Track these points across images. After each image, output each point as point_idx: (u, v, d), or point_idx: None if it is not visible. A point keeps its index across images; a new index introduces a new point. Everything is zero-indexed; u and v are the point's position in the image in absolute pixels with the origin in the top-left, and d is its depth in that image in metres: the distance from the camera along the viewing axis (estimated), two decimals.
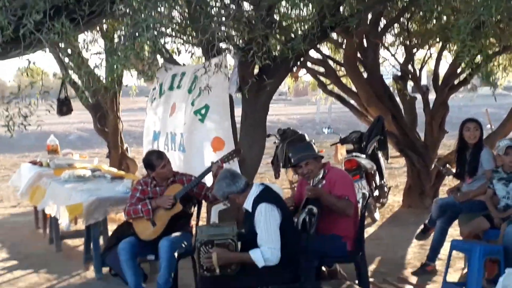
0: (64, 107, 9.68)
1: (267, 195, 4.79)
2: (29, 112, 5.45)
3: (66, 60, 7.93)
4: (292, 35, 6.52)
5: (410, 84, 10.80)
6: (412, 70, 10.24)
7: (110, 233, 6.52)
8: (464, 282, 5.58)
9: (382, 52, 10.35)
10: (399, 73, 10.43)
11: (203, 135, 6.99)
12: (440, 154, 10.41)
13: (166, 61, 8.06)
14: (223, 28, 5.76)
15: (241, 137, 6.92)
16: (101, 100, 9.85)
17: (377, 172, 9.28)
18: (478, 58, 6.39)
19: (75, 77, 8.46)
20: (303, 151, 5.57)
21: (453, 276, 6.17)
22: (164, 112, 7.99)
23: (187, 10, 6.33)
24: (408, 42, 9.94)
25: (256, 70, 6.80)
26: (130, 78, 8.45)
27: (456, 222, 6.44)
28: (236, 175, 4.95)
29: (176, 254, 5.53)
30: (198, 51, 7.58)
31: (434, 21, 8.79)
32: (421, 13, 8.51)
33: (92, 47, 6.82)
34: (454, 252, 5.78)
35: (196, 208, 6.09)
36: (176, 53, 7.66)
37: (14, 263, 7.34)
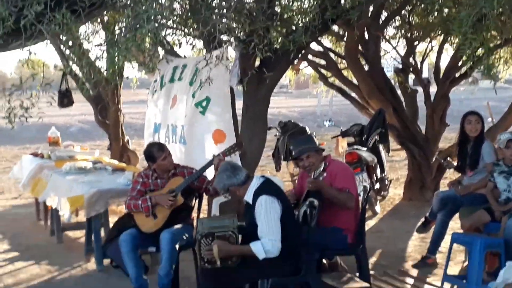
0: (65, 99, 9.67)
1: (268, 187, 4.79)
2: (31, 104, 5.45)
3: (67, 52, 7.94)
4: (293, 28, 6.50)
5: (411, 77, 10.79)
6: (413, 63, 10.23)
7: (111, 225, 6.53)
8: (465, 275, 5.59)
9: (384, 45, 10.34)
10: (400, 66, 10.42)
11: (204, 127, 6.99)
12: (441, 147, 10.42)
13: (167, 53, 8.05)
14: (224, 20, 5.74)
15: (242, 130, 6.91)
16: (102, 92, 9.84)
17: (378, 165, 9.28)
18: (480, 51, 6.39)
19: (76, 69, 8.46)
20: (304, 144, 5.56)
21: (454, 269, 6.17)
22: (165, 104, 7.98)
23: (188, 2, 6.32)
24: (409, 35, 9.92)
25: (257, 63, 6.79)
26: (131, 70, 8.45)
27: (457, 215, 6.44)
28: (237, 168, 4.95)
29: (177, 246, 5.53)
30: (199, 43, 7.57)
31: (436, 13, 8.76)
32: (422, 5, 8.48)
33: (93, 38, 6.82)
34: (454, 245, 5.78)
35: (197, 201, 6.09)
36: (177, 45, 7.65)
37: (15, 254, 7.36)
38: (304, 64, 11.36)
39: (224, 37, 6.39)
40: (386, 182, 9.70)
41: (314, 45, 9.85)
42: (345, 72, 10.60)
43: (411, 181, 9.94)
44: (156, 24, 5.00)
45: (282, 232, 4.61)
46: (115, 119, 10.18)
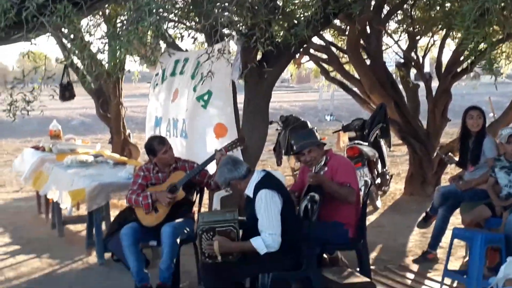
0: (66, 92, 9.66)
1: (269, 181, 4.79)
2: (32, 97, 5.45)
3: (69, 45, 7.92)
4: (295, 21, 6.49)
5: (413, 71, 10.78)
6: (415, 58, 10.21)
7: (112, 218, 6.54)
8: (465, 270, 5.59)
9: (385, 39, 10.33)
10: (402, 60, 10.41)
11: (205, 121, 6.98)
12: (442, 142, 10.41)
13: (169, 47, 8.04)
14: (226, 13, 5.72)
15: (243, 124, 6.90)
16: (103, 86, 9.83)
17: (379, 160, 9.28)
18: (482, 46, 6.37)
19: (77, 62, 8.45)
20: (306, 139, 5.56)
21: (454, 264, 6.18)
22: (166, 98, 7.97)
23: None
24: (411, 29, 9.91)
25: (259, 57, 6.78)
26: (132, 64, 8.45)
27: (457, 210, 6.44)
28: (238, 161, 4.95)
29: (178, 240, 5.54)
30: (201, 37, 7.56)
31: (438, 8, 8.75)
32: None
33: (95, 32, 6.80)
34: (455, 240, 5.78)
35: (198, 195, 6.09)
36: (179, 39, 7.65)
37: (16, 247, 7.37)
38: (305, 58, 11.35)
39: (226, 31, 6.38)
40: (387, 177, 9.70)
41: (315, 39, 9.84)
42: (346, 67, 10.59)
43: (412, 176, 9.93)
44: (158, 17, 4.98)
45: (282, 226, 4.61)
46: (116, 113, 10.19)
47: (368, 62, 9.71)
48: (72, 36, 6.06)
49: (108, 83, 9.54)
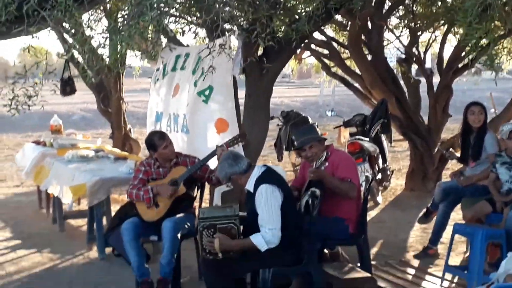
0: (67, 87, 9.66)
1: (269, 176, 4.79)
2: (34, 92, 5.45)
3: (70, 40, 7.92)
4: (297, 16, 6.48)
5: (414, 67, 10.77)
6: (416, 53, 10.20)
7: (113, 213, 6.55)
8: (466, 265, 5.59)
9: (387, 35, 10.32)
10: (403, 56, 10.40)
11: (206, 116, 6.98)
12: (444, 137, 10.41)
13: (170, 41, 8.03)
14: (227, 8, 5.73)
15: (244, 119, 6.90)
16: (104, 81, 9.83)
17: (380, 155, 9.29)
18: (483, 41, 6.36)
19: (78, 56, 8.44)
20: (307, 134, 5.55)
21: (455, 260, 6.18)
22: (166, 93, 7.97)
23: None
24: (413, 25, 9.89)
25: (260, 52, 6.77)
26: (133, 59, 8.44)
27: (458, 206, 6.44)
28: (239, 156, 4.95)
29: (179, 235, 5.54)
30: (202, 32, 7.56)
31: (439, 3, 8.73)
32: None
33: (96, 27, 6.80)
34: (456, 235, 5.79)
35: (199, 190, 6.09)
36: (180, 33, 7.64)
37: (17, 242, 7.38)
38: (306, 53, 11.34)
39: (227, 26, 6.38)
40: (388, 172, 9.70)
41: (317, 34, 9.83)
42: (347, 62, 10.58)
43: (413, 171, 9.93)
44: (159, 12, 4.98)
45: (282, 221, 4.61)
46: (117, 108, 10.19)
47: (369, 57, 9.70)
48: (73, 31, 6.06)
49: (109, 78, 9.54)
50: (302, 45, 8.65)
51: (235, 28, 6.43)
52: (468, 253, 6.16)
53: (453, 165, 9.91)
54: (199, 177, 5.93)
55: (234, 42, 6.75)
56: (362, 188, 5.60)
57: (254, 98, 6.87)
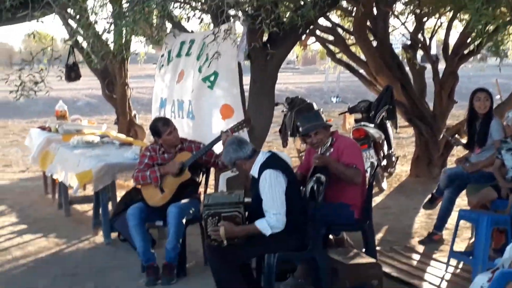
0: (72, 73, 9.65)
1: (273, 161, 4.79)
2: (40, 78, 5.46)
3: (75, 25, 7.90)
4: (302, 2, 6.45)
5: (419, 53, 10.73)
6: (422, 39, 10.16)
7: (118, 198, 6.57)
8: (471, 251, 5.59)
9: (392, 21, 10.27)
10: (409, 42, 10.36)
11: (212, 102, 6.96)
12: (449, 124, 10.39)
13: (175, 27, 8.01)
14: None
15: (249, 105, 6.89)
16: (109, 66, 9.82)
17: (385, 142, 9.27)
18: (489, 27, 6.33)
19: (83, 41, 8.42)
20: (312, 121, 5.53)
21: (460, 246, 6.19)
22: (171, 79, 7.96)
23: None
24: (418, 11, 9.84)
25: (265, 38, 6.75)
26: (138, 45, 8.42)
27: (463, 192, 6.44)
28: (243, 142, 4.95)
29: (184, 221, 5.56)
30: (207, 18, 7.53)
31: None
32: None
33: (101, 12, 6.78)
34: (461, 221, 5.79)
35: (204, 176, 6.11)
36: (185, 19, 7.61)
37: (23, 227, 7.41)
38: (312, 39, 11.30)
39: (232, 12, 6.35)
40: (393, 158, 9.69)
41: (322, 21, 9.80)
42: (353, 48, 10.55)
43: (418, 158, 9.92)
44: None
45: (287, 206, 4.61)
46: (122, 94, 10.18)
47: (374, 43, 9.67)
48: (78, 16, 6.06)
49: (113, 63, 9.53)
50: (307, 31, 8.62)
51: (240, 14, 6.41)
52: (473, 239, 6.17)
53: (458, 151, 9.90)
54: (205, 162, 5.94)
55: (239, 28, 6.74)
56: (367, 174, 5.60)
57: (259, 84, 6.86)
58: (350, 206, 5.35)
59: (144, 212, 5.65)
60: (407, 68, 10.09)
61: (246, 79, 6.78)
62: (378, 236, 6.64)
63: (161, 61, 8.36)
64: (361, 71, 10.37)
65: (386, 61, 9.44)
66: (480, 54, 11.39)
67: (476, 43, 8.89)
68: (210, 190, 6.63)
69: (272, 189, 4.61)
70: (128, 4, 5.53)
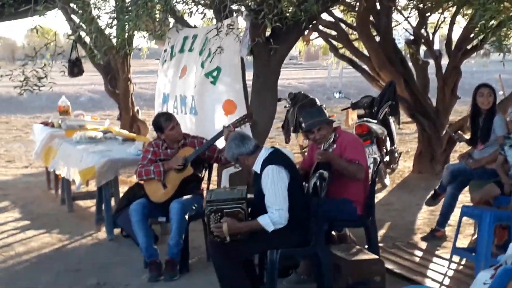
0: (75, 68, 9.66)
1: (276, 157, 4.78)
2: (43, 74, 5.46)
3: (77, 19, 7.89)
4: None
5: (422, 48, 10.71)
6: (425, 35, 10.14)
7: (121, 194, 6.57)
8: (474, 248, 5.59)
9: (395, 16, 10.24)
10: (412, 37, 10.33)
11: (214, 97, 6.96)
12: (452, 120, 10.37)
13: (178, 22, 8.00)
14: None
15: (252, 101, 6.89)
16: (112, 62, 9.82)
17: (388, 138, 9.26)
18: (492, 23, 6.30)
19: (85, 36, 8.41)
20: (315, 116, 5.52)
21: (463, 242, 6.18)
22: (174, 75, 7.96)
23: None
24: (421, 6, 9.82)
25: (268, 33, 6.74)
26: (141, 40, 8.42)
27: (466, 188, 6.43)
28: (246, 137, 4.94)
29: (186, 217, 5.56)
30: (210, 13, 7.52)
31: None
32: None
33: (104, 7, 6.78)
34: (464, 218, 5.78)
35: (207, 172, 6.10)
36: (188, 14, 7.60)
37: (26, 223, 7.42)
38: (314, 35, 11.28)
39: (234, 7, 6.34)
40: (396, 154, 9.68)
41: (325, 16, 9.77)
42: (355, 43, 10.52)
43: (421, 154, 9.91)
44: None
45: (289, 202, 4.61)
46: (125, 89, 10.18)
47: (377, 39, 9.65)
48: (80, 11, 6.05)
49: (116, 59, 9.53)
50: (310, 26, 8.61)
51: (242, 8, 6.39)
52: (476, 235, 6.16)
53: (461, 147, 9.88)
54: (208, 158, 5.94)
55: (242, 23, 6.72)
56: (370, 170, 5.60)
57: (262, 79, 6.85)
58: (352, 202, 5.34)
59: (147, 208, 5.65)
60: (410, 64, 10.07)
61: (249, 75, 6.77)
62: (381, 232, 6.63)
63: (164, 56, 8.36)
64: (364, 66, 10.34)
65: (389, 57, 9.42)
66: (483, 50, 11.35)
67: (479, 38, 8.86)
68: (213, 186, 6.64)
69: (275, 185, 4.60)
70: None
